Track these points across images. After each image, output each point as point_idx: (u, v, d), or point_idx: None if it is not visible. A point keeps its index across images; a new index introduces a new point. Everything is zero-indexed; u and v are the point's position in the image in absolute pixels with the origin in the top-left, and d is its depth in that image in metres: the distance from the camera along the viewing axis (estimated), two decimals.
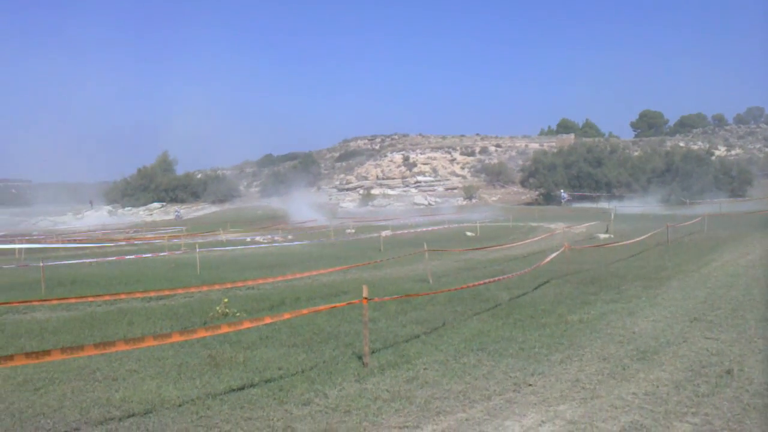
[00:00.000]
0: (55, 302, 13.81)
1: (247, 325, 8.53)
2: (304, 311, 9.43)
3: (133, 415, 7.06)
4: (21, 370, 8.94)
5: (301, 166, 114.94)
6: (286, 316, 9.52)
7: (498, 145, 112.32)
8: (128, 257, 29.21)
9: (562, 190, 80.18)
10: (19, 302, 13.19)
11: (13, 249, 36.86)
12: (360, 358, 9.09)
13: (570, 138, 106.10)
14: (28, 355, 6.74)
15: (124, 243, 41.70)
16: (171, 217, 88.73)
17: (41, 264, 19.98)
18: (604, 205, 70.95)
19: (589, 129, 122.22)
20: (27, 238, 49.65)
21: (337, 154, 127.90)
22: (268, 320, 8.91)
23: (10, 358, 6.68)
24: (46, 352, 6.91)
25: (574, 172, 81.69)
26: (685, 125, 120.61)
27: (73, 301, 14.28)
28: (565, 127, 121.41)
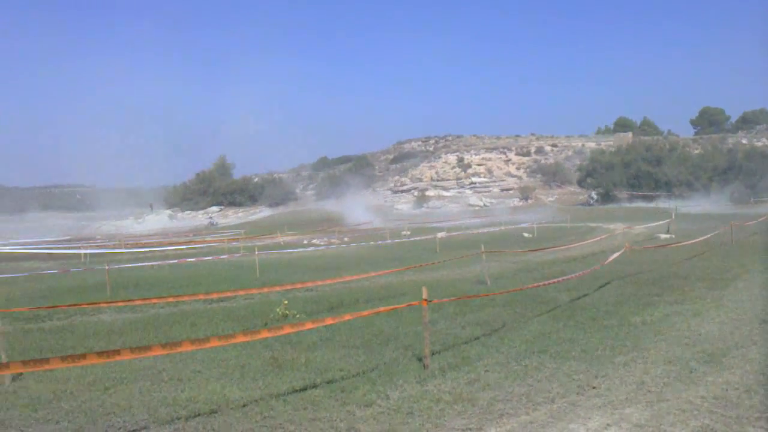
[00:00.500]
0: (121, 304, 14.18)
1: (309, 326, 8.62)
2: (365, 312, 9.48)
3: (199, 414, 7.19)
4: (91, 370, 9.19)
5: (355, 169, 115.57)
6: (347, 317, 9.59)
7: (554, 145, 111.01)
8: (189, 260, 29.79)
9: (592, 191, 79.20)
10: (87, 304, 13.59)
11: (79, 253, 37.93)
12: (420, 359, 9.08)
13: (628, 136, 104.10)
14: (99, 354, 6.93)
15: (184, 246, 42.53)
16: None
17: (106, 267, 20.50)
18: (664, 204, 69.51)
19: (647, 127, 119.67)
20: (91, 242, 51.02)
21: (390, 156, 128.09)
22: (329, 321, 8.99)
23: (83, 356, 6.88)
24: (116, 352, 7.10)
25: (633, 171, 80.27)
26: (747, 121, 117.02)
27: (138, 303, 14.61)
28: (622, 125, 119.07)
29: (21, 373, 9.14)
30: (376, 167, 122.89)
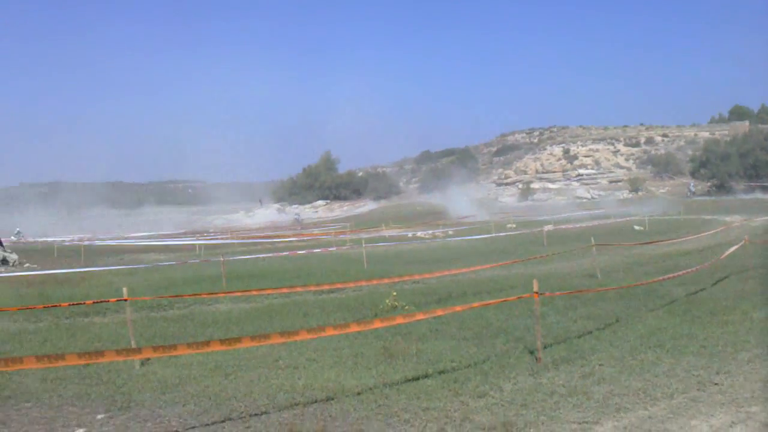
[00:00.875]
0: (238, 294, 14.73)
1: (420, 317, 8.73)
2: (475, 304, 9.52)
3: (316, 401, 7.42)
4: (212, 357, 9.62)
5: (458, 162, 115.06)
6: (457, 308, 9.65)
7: (665, 135, 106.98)
8: (299, 252, 30.53)
9: (690, 182, 75.81)
10: (206, 294, 14.20)
11: (194, 245, 39.54)
12: (532, 352, 9.04)
13: (744, 125, 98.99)
14: (222, 341, 7.28)
15: (294, 239, 43.59)
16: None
17: (221, 259, 21.29)
18: None
19: (765, 115, 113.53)
20: (204, 235, 53.01)
21: (494, 149, 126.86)
22: (440, 312, 9.10)
23: (207, 344, 7.24)
24: (237, 339, 7.44)
25: (750, 161, 76.39)
26: None
27: (254, 293, 15.14)
28: (738, 113, 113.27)
29: (149, 359, 9.66)
30: (480, 160, 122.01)
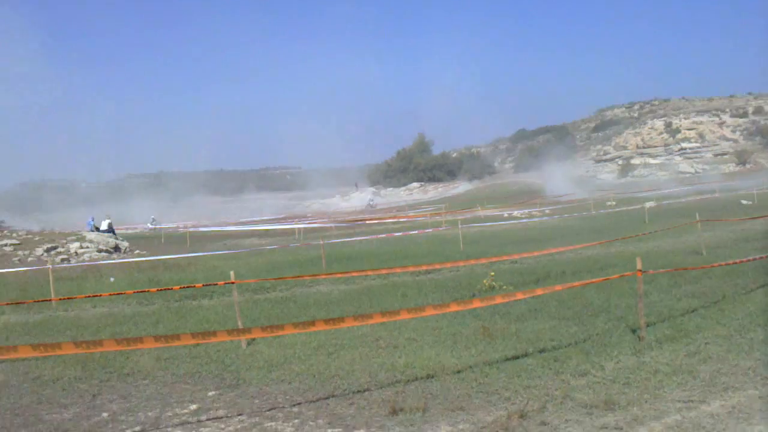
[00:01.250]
0: (338, 276, 15.05)
1: (519, 296, 8.71)
2: (576, 284, 9.42)
3: (416, 379, 7.54)
4: (315, 337, 9.89)
5: (555, 139, 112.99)
6: (558, 288, 9.57)
7: None
8: (395, 234, 30.80)
9: None
10: (308, 276, 14.57)
11: (293, 229, 40.49)
12: (634, 331, 8.88)
13: None
14: (326, 321, 7.52)
15: (390, 221, 43.97)
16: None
17: (321, 242, 21.74)
18: None
19: None
20: (303, 219, 54.13)
21: (592, 125, 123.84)
22: (539, 292, 9.05)
23: (312, 323, 7.47)
24: (341, 319, 7.65)
25: None
26: None
27: (354, 274, 15.44)
28: None
29: (254, 339, 10.04)
30: (577, 137, 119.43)
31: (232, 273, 10.55)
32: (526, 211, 45.63)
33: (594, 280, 10.38)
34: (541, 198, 59.68)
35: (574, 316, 10.32)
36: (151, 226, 53.00)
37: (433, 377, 7.55)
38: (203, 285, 11.82)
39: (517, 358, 8.08)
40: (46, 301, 14.26)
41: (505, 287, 13.19)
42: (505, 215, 43.73)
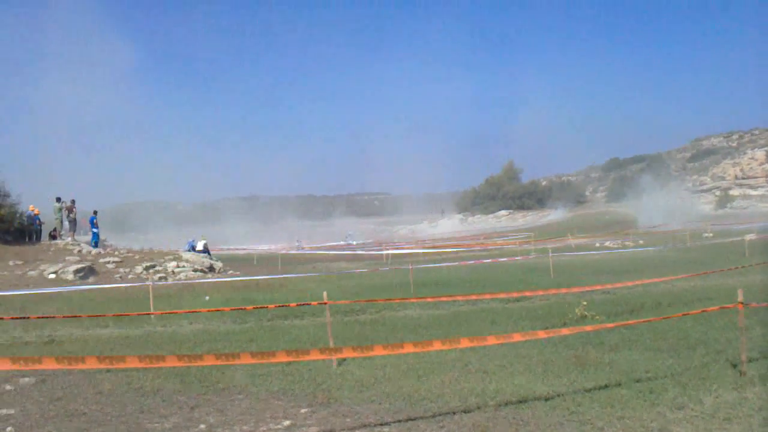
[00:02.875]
0: (429, 300, 15.11)
1: (610, 325, 8.56)
2: (673, 315, 9.20)
3: (507, 405, 7.50)
4: (404, 360, 9.96)
5: (649, 169, 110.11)
6: (653, 319, 9.37)
7: None
8: (484, 261, 30.63)
9: None
10: (398, 300, 14.68)
11: (381, 254, 40.79)
12: (735, 366, 8.57)
13: None
14: (415, 344, 7.57)
15: (478, 248, 43.76)
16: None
17: (410, 267, 21.87)
18: None
19: None
20: (391, 244, 54.49)
21: (688, 154, 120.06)
22: (632, 322, 8.86)
23: (401, 346, 7.55)
24: (429, 343, 7.71)
25: None
26: None
27: (444, 299, 15.48)
28: None
29: (345, 359, 10.20)
30: (672, 166, 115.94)
31: (325, 294, 10.76)
32: (619, 241, 44.58)
33: (691, 311, 10.08)
34: (634, 228, 58.17)
35: (670, 348, 10.05)
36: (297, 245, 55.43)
37: (523, 404, 7.49)
38: (297, 305, 12.09)
39: (610, 387, 7.92)
40: (147, 314, 14.84)
41: (597, 317, 12.95)
42: (597, 245, 42.83)
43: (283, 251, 48.70)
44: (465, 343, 7.89)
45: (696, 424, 6.52)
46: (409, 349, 7.97)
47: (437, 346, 7.82)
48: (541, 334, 8.75)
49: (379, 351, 7.38)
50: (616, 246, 40.43)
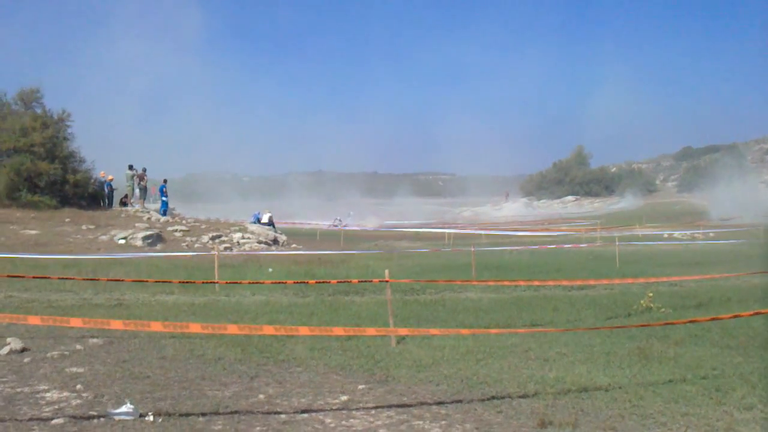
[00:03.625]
0: (491, 283, 15.00)
1: (678, 322, 8.32)
2: (745, 314, 8.84)
3: (567, 393, 7.38)
4: (464, 342, 9.91)
5: (723, 159, 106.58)
6: (723, 316, 9.07)
7: None
8: (548, 247, 30.24)
9: None
10: (459, 281, 14.62)
11: (444, 234, 40.69)
12: None
13: None
14: (470, 328, 7.52)
15: (542, 234, 43.23)
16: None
17: (472, 249, 21.71)
18: None
19: None
20: (454, 225, 54.29)
21: (767, 146, 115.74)
22: (700, 319, 8.60)
23: (457, 330, 7.50)
24: (485, 330, 7.63)
25: None
26: None
27: (505, 283, 15.35)
28: None
29: (404, 337, 10.21)
30: (749, 157, 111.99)
31: (386, 272, 10.76)
32: (688, 232, 43.36)
33: (764, 310, 9.73)
34: (705, 220, 56.50)
35: (739, 346, 9.74)
36: (337, 223, 53.86)
37: (583, 393, 7.37)
38: (358, 281, 12.15)
39: (674, 382, 7.72)
40: (211, 283, 15.13)
41: (663, 309, 12.63)
42: (665, 235, 41.80)
43: (325, 226, 48.82)
44: (521, 330, 7.79)
45: (766, 426, 6.30)
46: (464, 331, 7.95)
47: (493, 330, 7.76)
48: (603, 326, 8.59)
49: (434, 331, 7.37)
50: (685, 237, 39.41)
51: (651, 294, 13.39)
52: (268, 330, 7.65)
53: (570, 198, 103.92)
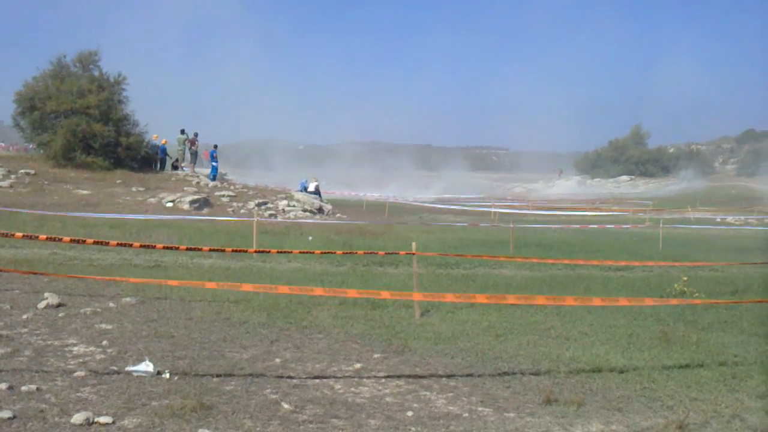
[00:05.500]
0: (519, 260, 14.95)
1: (697, 302, 8.23)
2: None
3: (579, 372, 7.40)
4: (486, 318, 9.98)
5: None
6: (746, 302, 8.93)
7: None
8: (591, 226, 29.90)
9: None
10: (489, 257, 14.61)
11: (489, 211, 40.50)
12: None
13: None
14: (489, 297, 7.57)
15: (589, 213, 42.71)
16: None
17: (511, 225, 21.62)
18: None
19: None
20: (502, 201, 53.95)
21: None
22: (725, 302, 8.48)
23: (473, 296, 7.56)
24: (503, 297, 7.68)
25: None
26: None
27: (534, 261, 15.28)
28: None
29: (428, 310, 10.31)
30: None
31: (413, 244, 10.84)
32: (742, 217, 42.29)
33: None
34: (763, 205, 54.96)
35: (766, 334, 9.58)
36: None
37: (596, 373, 7.38)
38: (385, 253, 12.24)
39: (691, 367, 7.67)
40: (244, 251, 15.39)
41: (696, 294, 12.44)
42: (718, 219, 40.88)
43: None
44: (541, 301, 7.82)
45: None
46: (481, 300, 8.02)
47: (511, 300, 7.79)
48: (623, 302, 8.60)
49: (450, 299, 7.45)
50: (737, 222, 38.45)
51: (686, 278, 13.19)
52: (283, 290, 7.90)
53: (624, 178, 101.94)
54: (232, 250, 11.85)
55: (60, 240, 8.31)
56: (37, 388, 6.07)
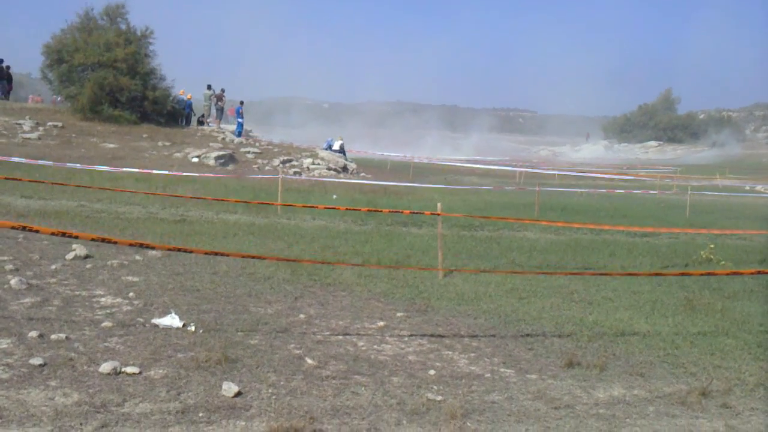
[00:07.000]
0: (544, 224, 14.87)
1: (722, 272, 8.15)
2: None
3: (602, 336, 7.39)
4: (510, 280, 9.96)
5: None
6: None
7: None
8: (617, 191, 29.64)
9: None
10: (514, 219, 14.54)
11: (515, 172, 40.23)
12: None
13: None
14: (516, 263, 7.52)
15: (615, 177, 42.31)
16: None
17: (537, 188, 21.48)
18: None
19: None
20: (528, 164, 53.54)
21: None
22: (750, 272, 8.39)
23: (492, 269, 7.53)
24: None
25: None
26: None
27: (560, 225, 15.19)
28: None
29: (451, 271, 10.31)
30: None
31: (438, 205, 10.81)
32: None
33: None
34: None
35: None
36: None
37: (619, 338, 7.37)
38: (410, 213, 12.21)
39: (715, 335, 7.63)
40: (270, 204, 15.43)
41: (723, 263, 12.31)
42: (747, 188, 40.33)
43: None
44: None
45: None
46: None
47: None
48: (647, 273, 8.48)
49: (472, 267, 7.36)
50: (767, 191, 37.90)
51: (712, 246, 13.05)
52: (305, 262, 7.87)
53: (653, 143, 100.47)
54: (258, 203, 11.86)
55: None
56: (66, 337, 6.18)
